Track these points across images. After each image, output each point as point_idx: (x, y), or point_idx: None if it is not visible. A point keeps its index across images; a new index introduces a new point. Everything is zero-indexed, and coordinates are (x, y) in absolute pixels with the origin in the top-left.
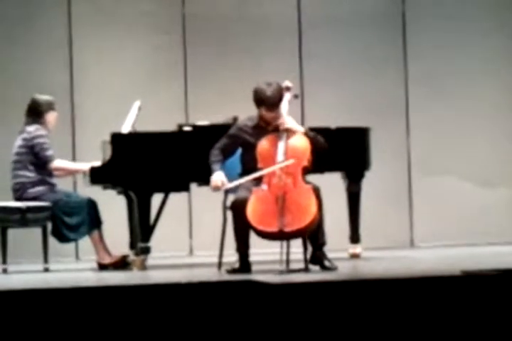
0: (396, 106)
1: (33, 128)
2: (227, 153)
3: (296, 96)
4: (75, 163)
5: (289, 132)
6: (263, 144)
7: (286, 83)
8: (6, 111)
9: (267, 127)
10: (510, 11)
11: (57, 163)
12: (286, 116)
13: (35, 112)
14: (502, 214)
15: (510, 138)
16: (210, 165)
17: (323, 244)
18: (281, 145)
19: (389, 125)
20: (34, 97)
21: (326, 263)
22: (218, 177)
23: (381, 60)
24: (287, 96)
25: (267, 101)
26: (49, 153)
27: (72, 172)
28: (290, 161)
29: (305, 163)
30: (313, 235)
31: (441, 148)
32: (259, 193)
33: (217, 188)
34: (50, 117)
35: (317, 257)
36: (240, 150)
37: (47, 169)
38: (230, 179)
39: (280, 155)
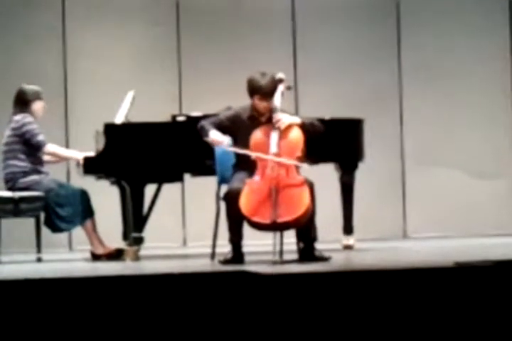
0: (390, 98)
1: (20, 117)
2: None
3: (289, 88)
4: (68, 150)
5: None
6: (256, 135)
7: (279, 75)
8: None
9: (261, 118)
10: (502, 2)
11: (50, 148)
12: (280, 111)
13: (22, 101)
14: (495, 205)
15: (505, 129)
16: (203, 128)
17: (314, 239)
18: (274, 137)
19: (382, 116)
20: (21, 87)
21: (317, 254)
22: (217, 133)
23: (375, 51)
24: (280, 88)
25: (261, 90)
26: (40, 138)
27: (63, 159)
28: (306, 166)
29: (298, 153)
30: (305, 230)
31: (435, 139)
32: (252, 184)
33: (218, 143)
34: (37, 106)
35: (308, 252)
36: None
37: (38, 158)
38: (224, 171)
39: (273, 147)
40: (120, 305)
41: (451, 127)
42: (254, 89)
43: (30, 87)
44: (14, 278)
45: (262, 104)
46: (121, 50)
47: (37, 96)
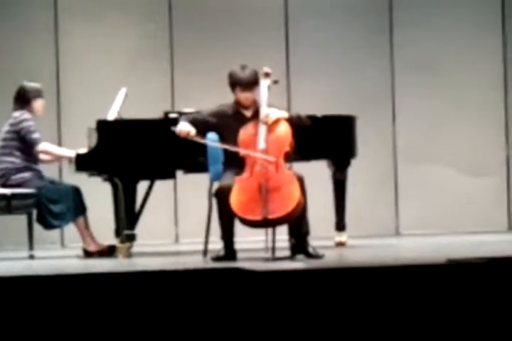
0: (382, 95)
1: (18, 113)
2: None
3: (275, 82)
4: (61, 148)
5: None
6: (244, 132)
7: (265, 69)
8: None
9: (246, 112)
10: (495, 0)
11: (43, 146)
12: (268, 106)
13: (23, 99)
14: (488, 202)
15: (497, 126)
16: (178, 122)
17: (306, 233)
18: (262, 133)
19: (375, 113)
20: (22, 84)
21: (311, 250)
22: (185, 125)
23: (367, 48)
24: (267, 83)
25: (241, 81)
26: (35, 135)
27: (57, 158)
28: (272, 158)
29: (287, 148)
30: (297, 224)
31: (427, 136)
32: (242, 182)
33: (184, 134)
34: (37, 104)
35: (301, 246)
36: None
37: (33, 155)
38: (216, 168)
39: (261, 143)
40: (112, 302)
41: (443, 124)
42: (234, 81)
43: (31, 85)
44: (6, 275)
45: (243, 96)
46: (114, 47)
47: (38, 94)
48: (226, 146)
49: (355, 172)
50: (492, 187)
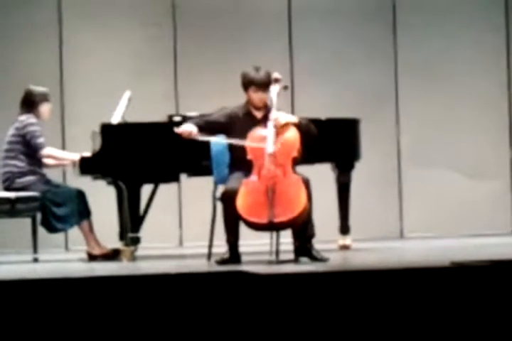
0: (386, 97)
1: (24, 117)
2: (207, 130)
3: (285, 88)
4: (65, 152)
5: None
6: (253, 134)
7: (275, 75)
8: None
9: (256, 114)
10: (498, 4)
11: (47, 151)
12: (276, 110)
13: (29, 103)
14: (492, 204)
15: (500, 128)
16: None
17: (311, 235)
18: (270, 136)
19: (378, 115)
20: (28, 88)
21: (315, 254)
22: (187, 126)
23: (371, 50)
24: (276, 89)
25: (256, 80)
26: (40, 140)
27: (61, 162)
28: (271, 150)
29: (295, 154)
30: (302, 227)
31: (431, 139)
32: (249, 185)
33: (186, 134)
34: (44, 108)
35: (305, 249)
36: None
37: (37, 159)
38: (221, 171)
39: (270, 146)
40: (116, 306)
41: (447, 127)
42: (248, 81)
43: (37, 89)
44: (10, 278)
45: (257, 96)
46: (118, 50)
47: (44, 98)
48: (230, 140)
49: (359, 175)
50: (496, 190)
